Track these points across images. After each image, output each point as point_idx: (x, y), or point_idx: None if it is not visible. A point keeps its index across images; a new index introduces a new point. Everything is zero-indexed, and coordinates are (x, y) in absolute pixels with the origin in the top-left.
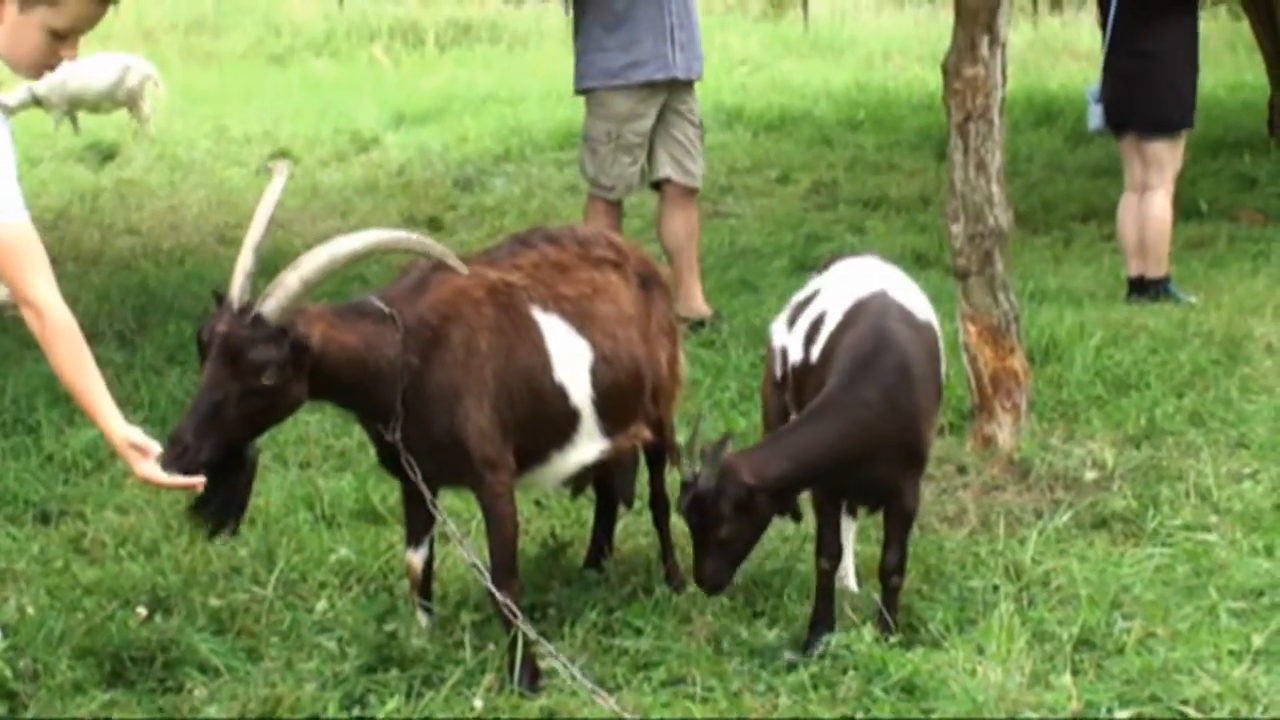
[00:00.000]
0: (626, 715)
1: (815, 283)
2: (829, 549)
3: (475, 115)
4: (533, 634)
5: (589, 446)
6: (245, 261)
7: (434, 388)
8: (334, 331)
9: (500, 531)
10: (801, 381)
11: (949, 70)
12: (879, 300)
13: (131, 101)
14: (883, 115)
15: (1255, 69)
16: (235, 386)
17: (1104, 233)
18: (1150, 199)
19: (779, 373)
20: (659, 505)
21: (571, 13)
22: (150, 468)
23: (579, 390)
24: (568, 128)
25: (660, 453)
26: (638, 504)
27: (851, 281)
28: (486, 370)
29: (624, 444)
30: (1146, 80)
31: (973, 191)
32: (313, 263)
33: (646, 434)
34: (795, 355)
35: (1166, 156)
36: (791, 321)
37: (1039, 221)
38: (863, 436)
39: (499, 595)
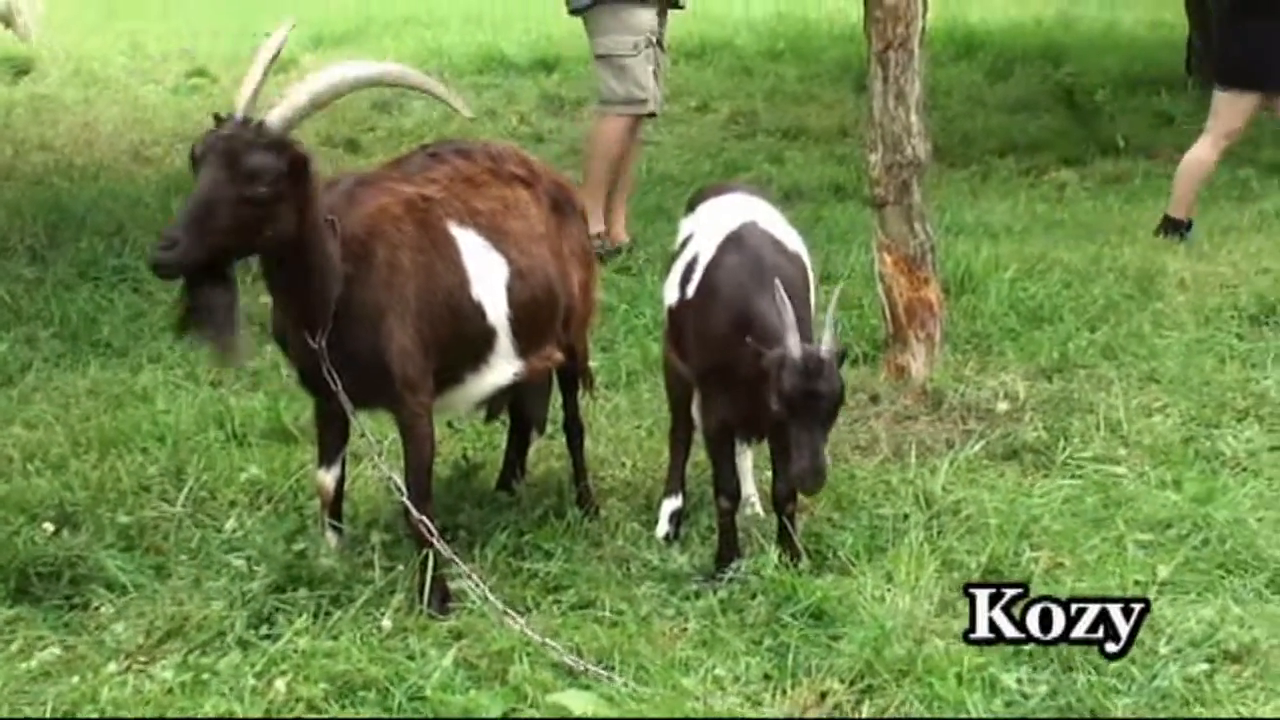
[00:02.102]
0: (534, 635)
1: (686, 228)
2: (726, 488)
3: (395, 37)
4: (446, 551)
5: (504, 368)
6: (254, 76)
7: (359, 306)
8: (318, 192)
9: (417, 453)
10: (680, 320)
11: None
12: (749, 230)
13: (7, 14)
14: (803, 46)
15: (1174, 7)
16: (230, 190)
17: (1021, 167)
18: (1198, 141)
19: (665, 326)
20: (573, 429)
21: None
22: None
23: (495, 308)
24: (487, 52)
25: (574, 377)
26: (551, 428)
27: (720, 218)
28: (409, 289)
29: (537, 365)
30: (1222, 32)
31: (891, 121)
32: (323, 80)
33: (558, 355)
34: (671, 299)
35: (1222, 108)
36: (668, 273)
37: (957, 155)
38: None
39: (414, 512)
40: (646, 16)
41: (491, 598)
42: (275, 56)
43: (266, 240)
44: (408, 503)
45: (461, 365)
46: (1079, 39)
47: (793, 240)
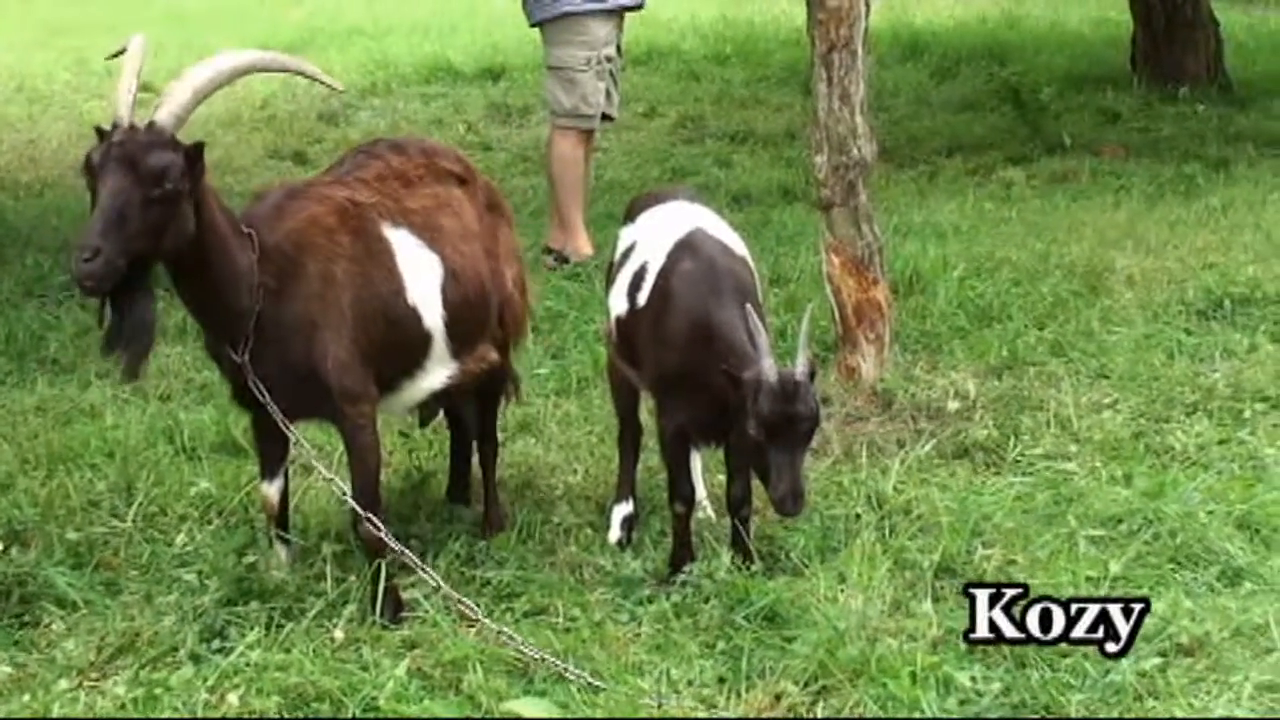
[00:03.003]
0: (486, 622)
1: (626, 236)
2: (683, 493)
3: (341, 48)
4: (397, 546)
5: (439, 371)
6: (129, 84)
7: (290, 319)
8: (210, 192)
9: (363, 464)
10: (631, 329)
11: (813, 1)
12: (699, 237)
13: None
14: (749, 50)
15: (1118, 5)
16: (138, 194)
17: (968, 166)
18: None
19: (612, 335)
20: (488, 445)
21: None
22: None
23: (431, 311)
24: (433, 62)
25: (497, 387)
26: (501, 436)
27: (665, 226)
28: (344, 300)
29: (471, 367)
30: None
31: (837, 123)
32: (201, 74)
33: (494, 355)
34: (620, 308)
35: None
36: (610, 283)
37: (904, 156)
38: None
39: (361, 511)
40: (603, 31)
41: (444, 587)
42: (142, 64)
43: (171, 242)
44: (354, 504)
45: (397, 372)
46: (1024, 38)
47: (739, 245)
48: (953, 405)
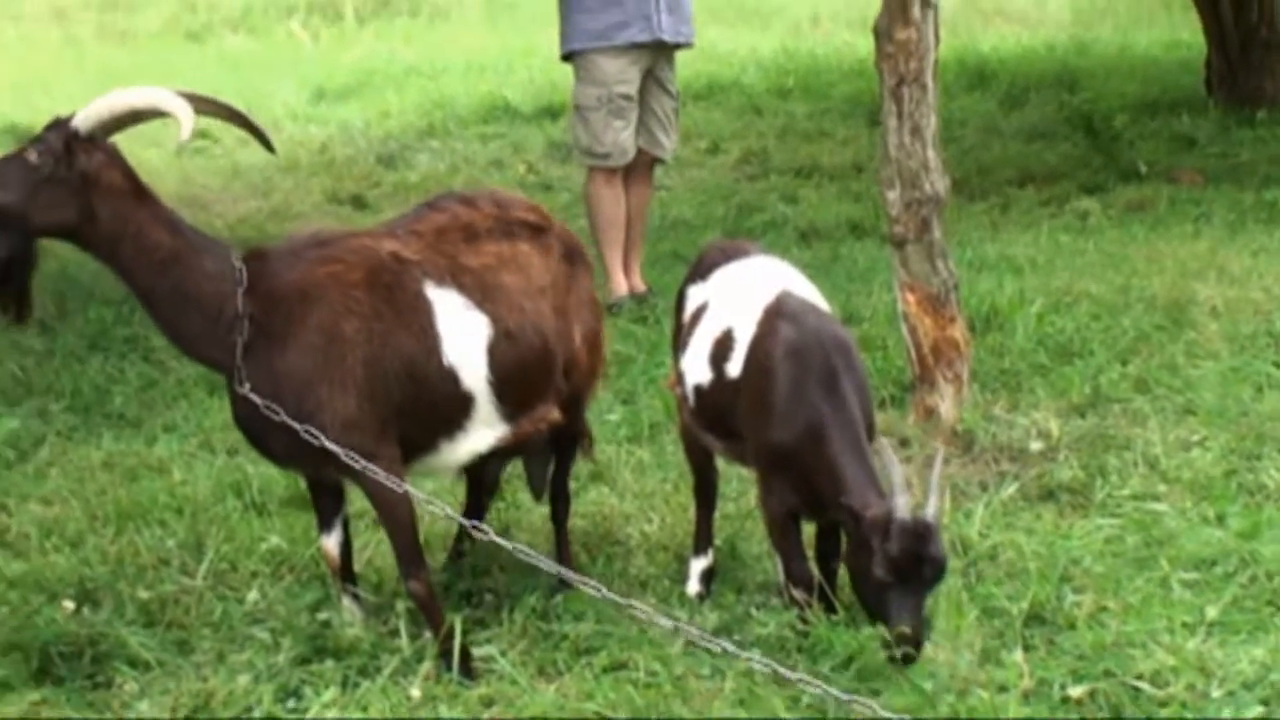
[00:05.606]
0: (609, 595)
1: (697, 295)
2: (802, 577)
3: (397, 90)
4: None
5: (484, 433)
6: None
7: (285, 366)
8: (134, 197)
9: (391, 521)
10: (718, 400)
11: (881, 34)
12: (793, 302)
13: None
14: (812, 82)
15: (1191, 27)
16: (11, 157)
17: (1041, 197)
18: None
19: (689, 401)
20: (560, 500)
21: None
22: None
23: (472, 373)
24: (490, 101)
25: (571, 438)
26: (574, 485)
27: (747, 286)
28: (351, 358)
29: (527, 428)
30: None
31: (908, 157)
32: (137, 95)
33: (555, 415)
34: (701, 376)
35: None
36: (681, 344)
37: (975, 188)
38: None
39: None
40: (613, 68)
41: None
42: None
43: (47, 221)
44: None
45: (432, 432)
46: (1094, 63)
47: (820, 299)
48: (1035, 445)
